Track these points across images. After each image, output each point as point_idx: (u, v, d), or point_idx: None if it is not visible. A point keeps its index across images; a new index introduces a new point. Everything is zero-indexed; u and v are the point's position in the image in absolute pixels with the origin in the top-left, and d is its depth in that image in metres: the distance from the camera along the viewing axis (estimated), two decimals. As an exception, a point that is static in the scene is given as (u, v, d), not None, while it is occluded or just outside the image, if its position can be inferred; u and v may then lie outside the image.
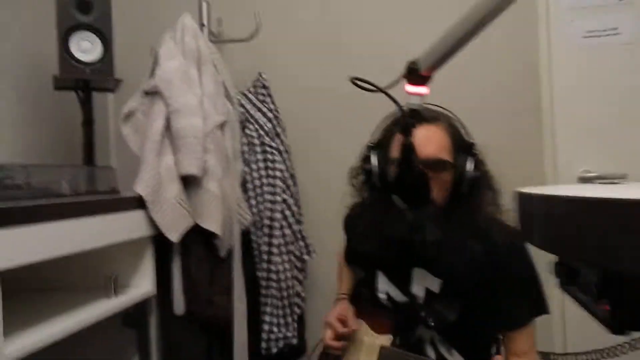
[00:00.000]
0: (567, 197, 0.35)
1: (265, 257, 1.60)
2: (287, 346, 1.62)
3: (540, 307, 1.17)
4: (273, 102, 1.75)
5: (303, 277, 1.71)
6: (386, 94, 0.84)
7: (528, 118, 1.79)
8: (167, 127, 1.39)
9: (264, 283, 1.60)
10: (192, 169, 1.35)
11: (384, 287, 1.28)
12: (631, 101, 1.73)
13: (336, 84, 1.87)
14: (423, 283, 1.22)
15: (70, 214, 1.03)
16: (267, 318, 1.59)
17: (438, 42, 0.76)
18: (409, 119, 0.85)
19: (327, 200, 1.87)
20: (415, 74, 0.81)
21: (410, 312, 1.23)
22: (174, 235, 1.33)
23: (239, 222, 1.51)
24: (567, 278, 0.42)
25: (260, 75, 1.78)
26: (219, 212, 1.41)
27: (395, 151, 1.09)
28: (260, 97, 1.74)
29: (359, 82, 0.85)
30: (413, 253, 1.20)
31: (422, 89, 0.82)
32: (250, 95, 1.74)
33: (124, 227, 1.23)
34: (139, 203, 1.28)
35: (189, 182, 1.39)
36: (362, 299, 1.41)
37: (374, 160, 1.12)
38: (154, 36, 1.53)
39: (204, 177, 1.39)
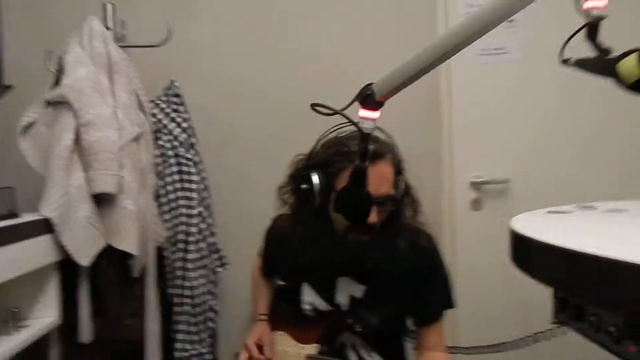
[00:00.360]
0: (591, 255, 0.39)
1: (179, 273, 1.55)
2: (202, 363, 1.59)
3: (450, 302, 1.31)
4: (186, 111, 1.69)
5: (216, 290, 1.68)
6: (349, 119, 0.88)
7: (429, 130, 1.94)
8: (76, 141, 1.28)
9: (177, 300, 1.55)
10: (107, 186, 1.27)
11: (309, 298, 1.33)
12: (516, 113, 1.97)
13: (255, 87, 1.88)
14: (347, 291, 1.30)
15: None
16: (180, 336, 1.55)
17: (397, 71, 0.81)
18: (367, 148, 0.89)
19: (241, 208, 1.88)
20: (370, 99, 0.85)
21: (336, 320, 1.29)
22: (84, 259, 1.24)
23: (153, 239, 1.45)
24: (573, 315, 0.48)
25: (173, 83, 1.70)
26: (135, 230, 1.34)
27: (342, 179, 1.13)
28: (173, 106, 1.66)
29: (318, 108, 0.87)
30: (341, 264, 1.27)
31: (374, 114, 0.87)
32: (162, 104, 1.66)
33: (27, 256, 1.12)
34: (43, 227, 1.17)
35: (101, 200, 1.30)
36: (283, 312, 1.44)
37: (315, 181, 1.15)
38: (48, 39, 1.39)
39: (119, 194, 1.30)
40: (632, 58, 0.74)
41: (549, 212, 0.65)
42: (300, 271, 1.34)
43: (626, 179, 1.99)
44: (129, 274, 1.39)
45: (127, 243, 1.31)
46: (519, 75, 1.98)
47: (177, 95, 1.69)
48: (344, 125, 1.17)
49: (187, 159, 1.61)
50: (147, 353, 1.42)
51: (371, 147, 1.10)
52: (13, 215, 1.17)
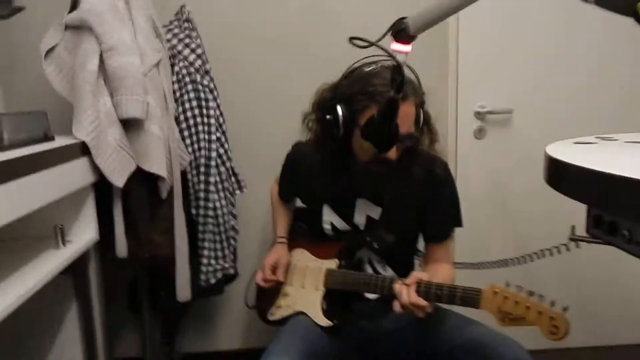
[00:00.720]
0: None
1: (202, 195, 1.63)
2: (225, 276, 1.72)
3: (459, 220, 1.42)
4: (199, 37, 1.69)
5: (235, 212, 1.78)
6: (387, 51, 0.92)
7: (436, 59, 1.98)
8: (100, 66, 1.30)
9: (201, 220, 1.64)
10: (135, 111, 1.31)
11: (329, 218, 1.43)
12: (521, 46, 2.01)
13: (264, 22, 1.87)
14: (365, 212, 1.40)
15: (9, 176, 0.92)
16: (205, 252, 1.66)
17: (431, 6, 0.85)
18: (403, 81, 0.94)
19: (253, 137, 1.94)
20: (404, 33, 0.89)
21: (354, 237, 1.40)
22: (119, 180, 1.31)
23: (178, 162, 1.51)
24: (607, 230, 0.57)
25: (183, 8, 1.69)
26: (163, 154, 1.40)
27: (365, 117, 1.17)
28: (186, 32, 1.66)
29: (355, 41, 0.91)
30: (360, 188, 1.37)
31: (407, 47, 0.91)
32: (175, 30, 1.66)
33: (66, 178, 1.18)
34: (79, 150, 1.22)
35: (129, 125, 1.35)
36: (303, 231, 1.55)
37: (340, 114, 1.22)
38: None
39: (146, 119, 1.35)
40: None
41: (575, 142, 0.72)
42: (321, 194, 1.43)
43: (624, 111, 2.07)
44: (158, 195, 1.46)
45: (156, 166, 1.38)
46: (525, 8, 1.98)
47: (188, 21, 1.69)
48: (373, 57, 1.20)
49: (204, 85, 1.64)
50: (177, 267, 1.53)
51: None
52: (49, 138, 1.22)
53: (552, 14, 1.99)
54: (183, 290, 1.55)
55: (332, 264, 1.41)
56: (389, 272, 1.45)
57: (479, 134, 2.08)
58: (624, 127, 2.00)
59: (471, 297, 1.11)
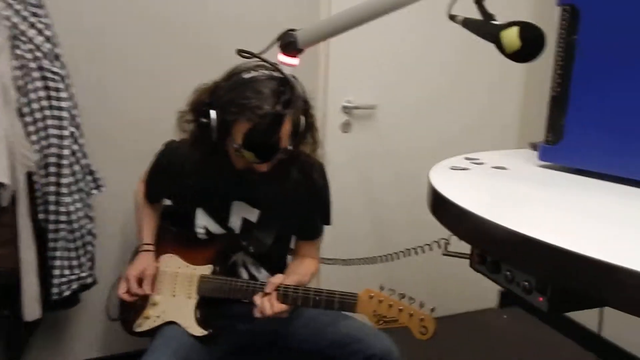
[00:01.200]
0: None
1: (52, 198, 1.44)
2: (82, 286, 1.56)
3: (329, 220, 1.48)
4: (47, 16, 1.47)
5: (92, 214, 1.61)
6: (273, 65, 0.90)
7: (306, 54, 1.98)
8: None
9: (52, 226, 1.45)
10: (-35, 107, 1.10)
11: (202, 222, 1.38)
12: (386, 45, 2.11)
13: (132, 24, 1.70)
14: (241, 214, 1.37)
15: None
16: (57, 262, 1.47)
17: (324, 24, 0.84)
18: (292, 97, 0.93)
19: (110, 130, 1.77)
20: (292, 46, 0.87)
21: (230, 241, 1.37)
22: (-54, 188, 1.09)
23: (22, 164, 1.31)
24: (490, 268, 0.62)
25: (26, -21, 1.45)
26: (3, 155, 1.20)
27: (237, 129, 1.15)
28: (32, 9, 1.43)
29: (242, 53, 0.88)
30: (237, 191, 1.35)
31: (295, 61, 0.90)
32: (16, 5, 1.41)
33: None
34: None
35: (-43, 122, 1.13)
36: (173, 235, 1.47)
37: (213, 119, 1.17)
38: None
39: (-19, 115, 1.14)
40: (513, 31, 0.85)
41: (451, 168, 0.78)
42: (194, 196, 1.36)
43: (479, 109, 2.33)
44: (-4, 203, 1.26)
45: (-4, 170, 1.18)
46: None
47: (33, -4, 1.45)
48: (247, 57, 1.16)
49: (54, 72, 1.44)
50: (23, 282, 1.34)
51: (266, 105, 1.13)
52: None
53: (417, 16, 2.13)
54: (31, 308, 1.37)
55: (206, 269, 1.37)
56: (263, 274, 1.44)
57: (346, 127, 2.16)
58: (479, 125, 2.28)
59: (348, 302, 1.17)
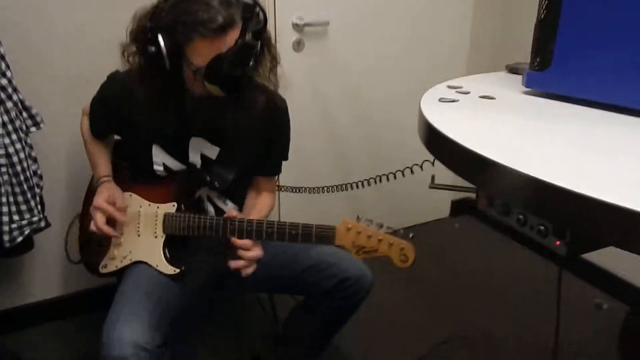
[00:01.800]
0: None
1: (-13, 140, 1.30)
2: (34, 230, 1.47)
3: (287, 155, 1.44)
4: None
5: (34, 153, 1.48)
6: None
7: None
8: None
9: (-8, 171, 1.33)
10: None
11: (160, 159, 1.30)
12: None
13: None
14: (200, 150, 1.31)
15: None
16: (4, 209, 1.36)
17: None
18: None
19: (41, 57, 1.58)
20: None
21: (192, 177, 1.31)
22: None
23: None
24: (500, 211, 0.61)
25: None
26: None
27: (192, 50, 1.06)
28: None
29: None
30: (194, 126, 1.27)
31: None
32: None
33: None
34: None
35: None
36: (129, 174, 1.39)
37: (162, 45, 1.06)
38: None
39: None
40: None
41: (440, 100, 0.75)
42: (148, 133, 1.27)
43: (430, 25, 2.28)
44: None
45: None
46: None
47: None
48: None
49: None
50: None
51: (219, 17, 1.03)
52: None
53: None
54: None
55: (170, 207, 1.31)
56: (229, 206, 1.41)
57: (298, 46, 2.06)
58: (431, 41, 2.24)
59: (326, 235, 1.16)
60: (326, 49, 2.11)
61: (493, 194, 0.63)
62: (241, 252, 1.21)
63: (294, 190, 1.84)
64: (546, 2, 0.75)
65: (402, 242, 1.10)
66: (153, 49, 1.06)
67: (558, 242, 0.55)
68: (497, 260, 2.27)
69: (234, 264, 1.22)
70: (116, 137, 1.44)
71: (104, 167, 1.37)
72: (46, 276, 1.83)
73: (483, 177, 0.54)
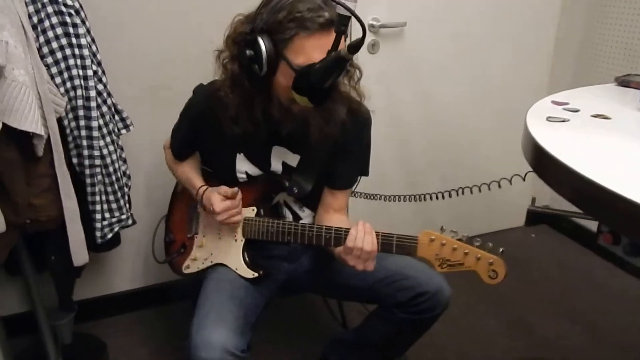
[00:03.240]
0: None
1: (85, 142, 1.38)
2: (122, 227, 1.56)
3: (367, 171, 1.41)
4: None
5: (124, 155, 1.57)
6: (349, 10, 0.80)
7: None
8: None
9: (88, 171, 1.40)
10: (-11, 56, 1.01)
11: (243, 167, 1.33)
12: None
13: None
14: (281, 158, 1.32)
15: None
16: (97, 207, 1.45)
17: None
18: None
19: (130, 64, 1.67)
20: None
21: (272, 183, 1.33)
22: (-18, 146, 1.04)
23: (53, 110, 1.24)
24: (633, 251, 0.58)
25: None
26: (34, 104, 1.13)
27: (293, 49, 1.06)
28: None
29: None
30: (278, 135, 1.28)
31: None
32: None
33: None
34: None
35: (-20, 72, 1.04)
36: (212, 179, 1.43)
37: (262, 47, 1.07)
38: None
39: (6, 63, 1.05)
40: None
41: (548, 118, 0.71)
42: (234, 142, 1.29)
43: (513, 39, 2.19)
44: (31, 152, 1.21)
45: (29, 122, 1.11)
46: None
47: None
48: None
49: (67, 5, 1.32)
50: (69, 229, 1.33)
51: (325, 13, 1.04)
52: None
53: None
54: (79, 255, 1.37)
55: (250, 212, 1.34)
56: (306, 212, 1.42)
57: (373, 48, 2.04)
58: (516, 45, 2.17)
59: (408, 246, 1.13)
60: (401, 50, 2.07)
61: (617, 230, 0.59)
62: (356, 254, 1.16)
63: (370, 197, 1.82)
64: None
65: (492, 256, 1.05)
66: (252, 52, 1.08)
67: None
68: (576, 272, 2.16)
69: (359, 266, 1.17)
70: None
71: (197, 179, 1.39)
72: (129, 269, 1.94)
73: (604, 209, 0.51)
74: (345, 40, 1.03)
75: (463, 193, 1.49)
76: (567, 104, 0.80)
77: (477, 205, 2.28)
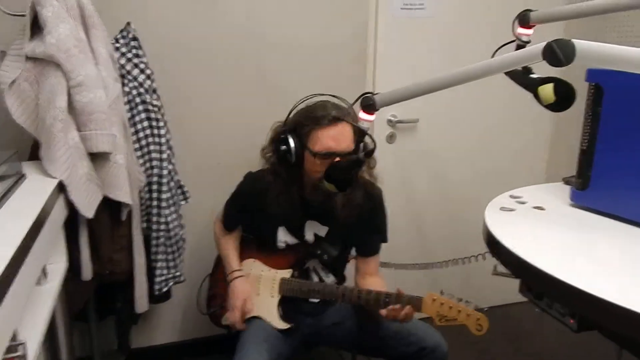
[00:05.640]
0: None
1: (155, 211, 1.73)
2: (176, 283, 1.86)
3: (386, 238, 1.72)
4: (145, 55, 1.74)
5: (183, 222, 1.90)
6: (364, 132, 1.16)
7: (355, 71, 2.23)
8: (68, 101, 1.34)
9: (154, 234, 1.74)
10: (104, 146, 1.38)
11: (283, 238, 1.64)
12: (429, 61, 2.32)
13: (211, 39, 1.96)
14: (313, 230, 1.63)
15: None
16: (159, 264, 1.77)
17: (400, 91, 1.08)
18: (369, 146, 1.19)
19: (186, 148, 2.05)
20: (371, 107, 1.13)
21: (306, 250, 1.64)
22: (89, 212, 1.38)
23: (137, 185, 1.60)
24: (535, 295, 0.86)
25: (129, 25, 1.72)
26: (127, 181, 1.48)
27: (311, 139, 1.44)
28: (134, 51, 1.71)
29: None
30: (310, 211, 1.60)
31: (372, 117, 1.16)
32: (122, 49, 1.69)
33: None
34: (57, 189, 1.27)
35: (95, 156, 1.41)
36: (255, 245, 1.74)
37: (291, 143, 1.45)
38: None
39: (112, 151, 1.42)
40: (549, 87, 1.07)
41: (501, 208, 1.02)
42: (277, 218, 1.62)
43: (512, 128, 2.53)
44: (117, 216, 1.55)
45: (123, 194, 1.46)
46: (434, 29, 2.31)
47: (135, 39, 1.72)
48: (309, 97, 1.52)
49: (153, 105, 1.72)
50: (136, 281, 1.64)
51: (333, 112, 1.40)
52: (20, 175, 1.25)
53: (459, 34, 2.33)
54: (141, 302, 1.67)
55: (286, 273, 1.64)
56: (330, 278, 1.71)
57: (390, 139, 2.40)
58: (510, 139, 2.51)
59: (414, 304, 1.42)
60: (415, 141, 2.43)
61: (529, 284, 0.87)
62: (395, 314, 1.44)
63: (382, 265, 2.09)
64: (587, 138, 1.01)
65: (478, 314, 1.33)
66: (285, 147, 1.45)
67: (572, 321, 0.78)
68: (574, 345, 2.33)
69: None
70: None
71: (235, 261, 1.70)
72: (172, 322, 2.21)
73: (524, 274, 0.80)
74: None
75: (455, 263, 1.76)
76: (520, 197, 1.10)
77: (485, 278, 2.51)
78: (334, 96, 1.50)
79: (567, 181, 1.23)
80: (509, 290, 2.69)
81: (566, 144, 2.63)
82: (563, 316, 0.79)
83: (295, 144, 1.45)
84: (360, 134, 1.25)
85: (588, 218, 0.99)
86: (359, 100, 1.19)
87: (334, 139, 1.41)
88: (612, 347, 2.13)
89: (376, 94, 1.15)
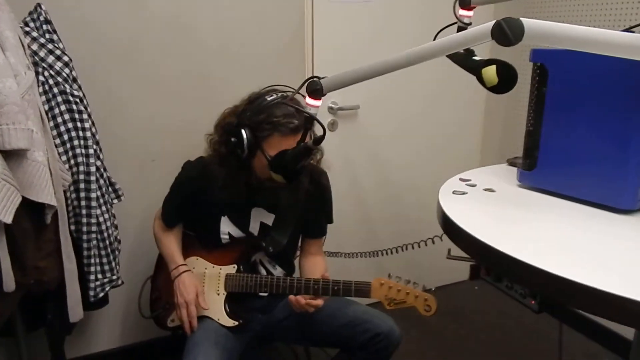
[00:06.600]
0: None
1: (83, 211, 1.59)
2: (112, 287, 1.73)
3: (331, 218, 1.71)
4: (60, 40, 1.58)
5: (116, 222, 1.77)
6: (311, 116, 1.09)
7: (293, 58, 2.17)
8: (-28, 92, 1.18)
9: (85, 237, 1.60)
10: (20, 142, 1.23)
11: (226, 228, 1.57)
12: (367, 46, 2.29)
13: (136, 28, 1.81)
14: (259, 219, 1.57)
15: None
16: (92, 269, 1.63)
17: (346, 74, 1.03)
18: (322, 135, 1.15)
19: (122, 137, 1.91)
20: (318, 92, 1.07)
21: (251, 243, 1.57)
22: (7, 216, 1.23)
23: (61, 185, 1.45)
24: (494, 277, 0.84)
25: (39, 7, 1.55)
26: (49, 180, 1.34)
27: (269, 144, 1.37)
28: (47, 36, 1.54)
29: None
30: (257, 199, 1.55)
31: (318, 103, 1.10)
32: (33, 33, 1.52)
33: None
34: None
35: (9, 154, 1.26)
36: (196, 241, 1.65)
37: (244, 138, 1.37)
38: None
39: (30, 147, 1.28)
40: (492, 69, 1.06)
41: (453, 192, 1.00)
42: (220, 206, 1.54)
43: (445, 125, 2.57)
44: (40, 220, 1.41)
45: (45, 195, 1.32)
46: (374, 15, 2.28)
47: (47, 22, 1.56)
48: (273, 86, 1.44)
49: (74, 95, 1.57)
50: (68, 289, 1.50)
51: (295, 121, 1.33)
52: None
53: (399, 19, 2.32)
54: (75, 311, 1.53)
55: (231, 269, 1.56)
56: (277, 270, 1.66)
57: (332, 126, 2.36)
58: (445, 130, 2.54)
59: (363, 290, 1.40)
60: (356, 127, 2.41)
61: (491, 269, 0.87)
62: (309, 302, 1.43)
63: (332, 255, 2.07)
64: (532, 118, 1.01)
65: (426, 294, 1.34)
66: (236, 140, 1.37)
67: (533, 302, 0.78)
68: (508, 318, 2.43)
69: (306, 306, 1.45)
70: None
71: (179, 256, 1.61)
72: (111, 328, 2.08)
73: (486, 258, 0.78)
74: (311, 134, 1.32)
75: (406, 249, 1.77)
76: (469, 180, 1.09)
77: (427, 261, 2.56)
78: (283, 86, 1.44)
79: (511, 162, 1.24)
80: (455, 270, 2.82)
81: (500, 124, 2.71)
82: (524, 297, 0.79)
83: (249, 140, 1.38)
84: (308, 121, 1.19)
85: (537, 198, 0.99)
86: (305, 86, 1.12)
87: (292, 146, 1.33)
88: (555, 322, 2.27)
89: (322, 77, 1.09)
